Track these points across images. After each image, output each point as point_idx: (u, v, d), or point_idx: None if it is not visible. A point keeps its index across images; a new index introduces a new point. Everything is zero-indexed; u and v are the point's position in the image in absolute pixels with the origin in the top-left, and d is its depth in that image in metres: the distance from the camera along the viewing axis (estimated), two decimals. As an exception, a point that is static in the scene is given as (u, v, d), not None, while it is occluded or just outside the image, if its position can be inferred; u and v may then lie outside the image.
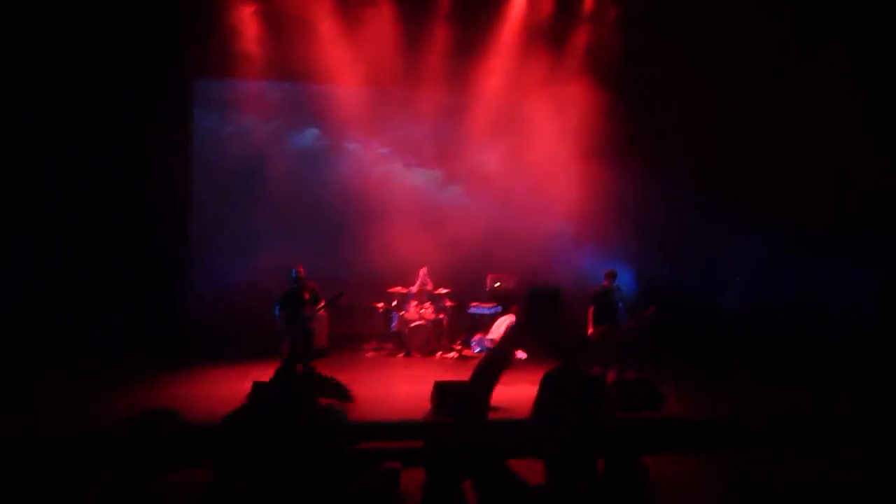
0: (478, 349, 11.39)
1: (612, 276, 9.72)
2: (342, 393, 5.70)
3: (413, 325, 11.75)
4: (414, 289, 12.03)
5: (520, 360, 9.02)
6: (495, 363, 7.31)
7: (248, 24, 11.86)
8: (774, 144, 12.37)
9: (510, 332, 8.89)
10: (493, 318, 11.07)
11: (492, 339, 10.40)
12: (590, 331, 9.63)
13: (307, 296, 8.55)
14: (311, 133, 13.53)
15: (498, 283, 12.03)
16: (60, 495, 2.28)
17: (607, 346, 9.53)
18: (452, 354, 11.84)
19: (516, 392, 8.04)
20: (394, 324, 12.12)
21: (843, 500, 5.11)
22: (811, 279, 11.50)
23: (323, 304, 8.86)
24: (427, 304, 12.02)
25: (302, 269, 9.14)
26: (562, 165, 13.10)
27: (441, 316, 12.03)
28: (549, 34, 12.39)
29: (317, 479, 2.28)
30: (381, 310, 12.24)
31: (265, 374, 8.37)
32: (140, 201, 11.66)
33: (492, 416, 7.79)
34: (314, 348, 9.24)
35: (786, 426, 8.02)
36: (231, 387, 8.60)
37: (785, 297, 11.64)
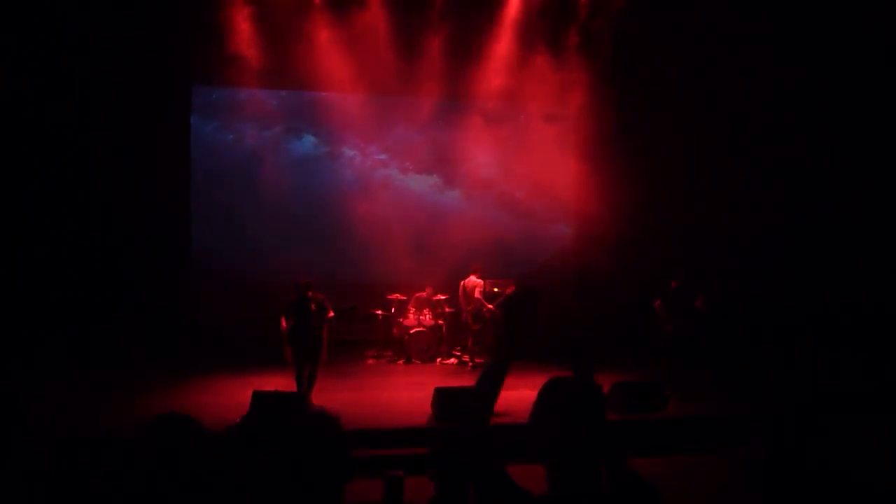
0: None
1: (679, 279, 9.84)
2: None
3: (413, 331, 11.75)
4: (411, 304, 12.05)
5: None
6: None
7: (245, 32, 11.88)
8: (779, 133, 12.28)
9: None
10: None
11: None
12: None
13: (313, 307, 8.40)
14: (309, 140, 13.57)
15: (496, 289, 12.02)
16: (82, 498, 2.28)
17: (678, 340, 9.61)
18: (452, 360, 11.84)
19: (516, 397, 8.05)
20: (393, 330, 12.12)
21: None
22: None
23: (332, 315, 8.56)
24: (426, 311, 12.02)
25: (304, 282, 8.71)
26: (561, 166, 13.09)
27: (440, 322, 12.03)
28: (544, 34, 12.38)
29: (315, 488, 2.28)
30: (381, 317, 12.24)
31: (266, 383, 8.45)
32: (139, 209, 11.66)
33: (493, 420, 7.82)
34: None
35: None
36: (232, 396, 8.60)
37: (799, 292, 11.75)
